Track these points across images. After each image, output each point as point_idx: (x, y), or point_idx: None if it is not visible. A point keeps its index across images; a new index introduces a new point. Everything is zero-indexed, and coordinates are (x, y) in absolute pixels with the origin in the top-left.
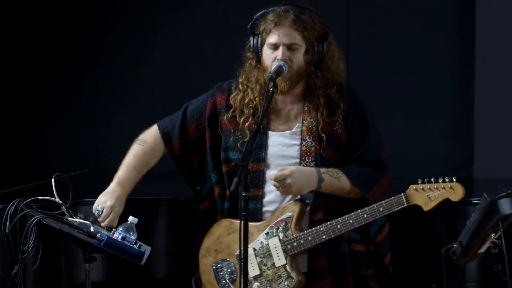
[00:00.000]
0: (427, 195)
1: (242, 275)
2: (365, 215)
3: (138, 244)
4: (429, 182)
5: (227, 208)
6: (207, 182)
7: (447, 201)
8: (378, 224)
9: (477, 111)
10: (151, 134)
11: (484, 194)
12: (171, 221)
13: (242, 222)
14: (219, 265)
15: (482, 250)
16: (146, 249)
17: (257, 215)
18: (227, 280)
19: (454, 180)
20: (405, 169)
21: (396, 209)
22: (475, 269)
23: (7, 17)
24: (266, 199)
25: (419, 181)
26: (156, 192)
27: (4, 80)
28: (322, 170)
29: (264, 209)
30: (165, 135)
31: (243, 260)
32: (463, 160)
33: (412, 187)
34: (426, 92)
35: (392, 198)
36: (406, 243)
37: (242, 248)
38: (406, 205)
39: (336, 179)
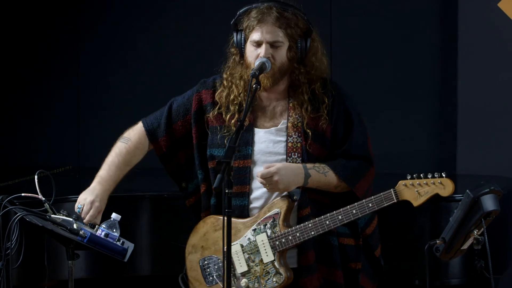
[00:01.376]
0: (416, 190)
1: (225, 271)
2: (354, 211)
3: (121, 241)
4: (419, 177)
5: (213, 204)
6: (194, 178)
7: (436, 196)
8: (366, 217)
9: (460, 107)
10: (135, 132)
11: (467, 190)
12: (154, 217)
13: (226, 218)
14: (206, 262)
15: (465, 246)
16: (129, 246)
17: (244, 212)
18: (215, 277)
19: (444, 175)
20: (388, 166)
21: (385, 204)
22: (458, 266)
23: None
24: (253, 195)
25: (408, 177)
26: (139, 189)
27: None
28: (309, 165)
29: (251, 205)
30: (150, 133)
31: (226, 256)
32: (446, 157)
33: (401, 182)
34: (408, 88)
35: (382, 194)
36: (389, 239)
37: (225, 244)
38: (395, 200)
39: (323, 174)
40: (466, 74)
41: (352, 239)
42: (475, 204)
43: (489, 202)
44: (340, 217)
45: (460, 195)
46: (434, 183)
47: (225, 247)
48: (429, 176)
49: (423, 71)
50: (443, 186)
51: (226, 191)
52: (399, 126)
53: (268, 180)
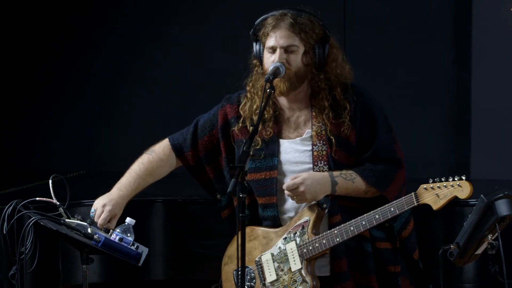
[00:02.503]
0: (436, 193)
1: (239, 281)
2: (376, 216)
3: (135, 245)
4: (439, 181)
5: (247, 215)
6: (226, 191)
7: (455, 199)
8: (402, 220)
9: (474, 112)
10: (160, 145)
11: (481, 195)
12: (169, 222)
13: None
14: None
15: (479, 251)
16: (144, 250)
17: (276, 222)
18: (247, 287)
19: (463, 178)
20: None
21: (406, 208)
22: (472, 271)
23: (2, 18)
24: (284, 206)
25: (430, 181)
26: (154, 194)
27: (1, 81)
28: (335, 173)
29: (284, 216)
30: (176, 147)
31: (241, 265)
32: (460, 161)
33: (423, 186)
34: (422, 93)
35: (403, 197)
36: None
37: (239, 252)
38: (416, 204)
39: (350, 181)
40: (480, 79)
41: (389, 243)
42: (489, 209)
43: (503, 207)
44: (363, 222)
45: (474, 200)
46: (453, 186)
47: (239, 254)
48: (449, 179)
49: (437, 75)
50: (461, 188)
51: (240, 195)
52: (413, 131)
53: (295, 192)
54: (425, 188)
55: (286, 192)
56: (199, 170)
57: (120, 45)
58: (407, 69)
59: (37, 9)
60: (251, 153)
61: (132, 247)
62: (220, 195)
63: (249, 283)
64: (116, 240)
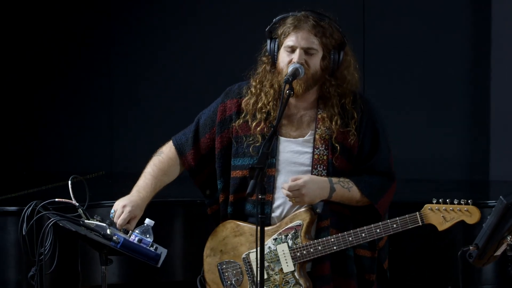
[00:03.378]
0: (442, 215)
1: (254, 278)
2: (378, 230)
3: (154, 246)
4: (445, 203)
5: (230, 213)
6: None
7: (461, 223)
8: None
9: (492, 112)
10: (167, 146)
11: (500, 196)
12: (187, 223)
13: (258, 226)
14: (224, 266)
15: (499, 252)
16: (163, 252)
17: (266, 220)
18: (233, 281)
19: (470, 203)
20: (420, 171)
21: (410, 227)
22: (491, 272)
23: (21, 18)
24: (275, 204)
25: (434, 201)
26: (173, 195)
27: (20, 81)
28: (334, 180)
29: (272, 214)
30: (179, 147)
31: (259, 262)
32: (478, 162)
33: (427, 206)
34: (441, 94)
35: (407, 216)
36: (422, 246)
37: (258, 249)
38: (420, 224)
39: (347, 189)
40: (499, 78)
41: (369, 251)
42: (508, 210)
43: None
44: (363, 234)
45: (494, 201)
46: (460, 210)
47: (256, 253)
48: (456, 202)
49: (455, 75)
50: (470, 214)
51: (260, 196)
52: (431, 131)
53: (295, 193)
54: (430, 209)
55: (285, 192)
56: (199, 170)
57: (140, 47)
58: (426, 70)
59: (56, 8)
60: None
61: (151, 248)
62: (211, 190)
63: (235, 278)
64: (135, 241)
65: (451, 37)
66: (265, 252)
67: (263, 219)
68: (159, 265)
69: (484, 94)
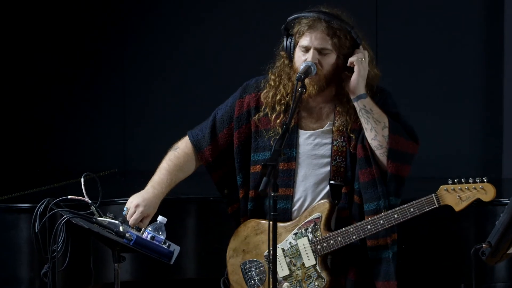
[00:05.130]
0: (458, 195)
1: (271, 275)
2: (395, 216)
3: (167, 243)
4: (460, 182)
5: (250, 209)
6: (236, 185)
7: (477, 201)
8: None
9: (505, 110)
10: (182, 141)
11: None
12: (200, 221)
13: (271, 222)
14: (247, 266)
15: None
16: (175, 249)
17: (287, 215)
18: (256, 281)
19: (485, 180)
20: (433, 169)
21: (426, 209)
22: (504, 270)
23: (34, 16)
24: (295, 198)
25: (450, 182)
26: (185, 192)
27: (33, 79)
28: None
29: (293, 208)
30: (195, 143)
31: (272, 259)
32: (491, 160)
33: (443, 187)
34: (454, 92)
35: (423, 198)
36: (435, 243)
37: (271, 248)
38: (437, 205)
39: (377, 106)
40: None
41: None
42: None
43: None
44: (381, 221)
45: (506, 199)
46: (475, 188)
47: (271, 251)
48: (470, 181)
49: (468, 73)
50: (485, 191)
51: (272, 194)
52: (444, 129)
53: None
54: (446, 190)
55: (352, 59)
56: (218, 166)
57: (153, 45)
58: (439, 68)
59: (70, 8)
60: (282, 152)
61: (164, 246)
62: (229, 189)
63: (258, 277)
64: (148, 238)
65: (464, 35)
66: (286, 248)
67: (276, 216)
68: (172, 262)
69: (497, 92)
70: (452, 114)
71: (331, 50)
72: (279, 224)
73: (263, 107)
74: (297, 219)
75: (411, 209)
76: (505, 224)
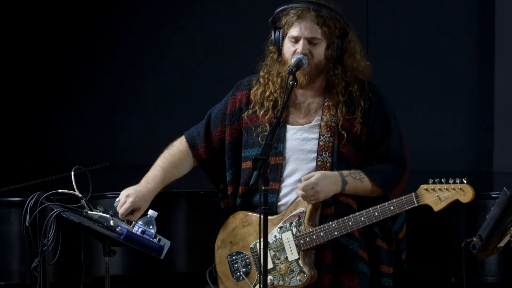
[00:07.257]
0: (437, 195)
1: (260, 268)
2: (376, 213)
3: (157, 238)
4: (440, 182)
5: (238, 204)
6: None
7: (457, 202)
8: (400, 221)
9: (496, 104)
10: (178, 140)
11: (504, 188)
12: (191, 215)
13: (262, 216)
14: (234, 257)
15: (502, 244)
16: (166, 243)
17: (273, 209)
18: (241, 273)
19: (465, 181)
20: (425, 163)
21: (406, 208)
22: (495, 263)
23: (23, 13)
24: (282, 193)
25: (430, 181)
26: (176, 186)
27: (23, 73)
28: (345, 173)
29: (279, 203)
30: (191, 141)
31: (263, 253)
32: (482, 154)
33: (423, 187)
34: (445, 85)
35: (403, 197)
36: (425, 237)
37: (257, 241)
38: (416, 204)
39: (359, 181)
40: (503, 71)
41: (385, 243)
42: None
43: None
44: (362, 218)
45: (497, 193)
46: (454, 189)
47: (257, 244)
48: (450, 181)
49: (460, 68)
50: (464, 192)
51: (263, 187)
52: (435, 123)
53: (310, 192)
54: (426, 189)
55: (299, 192)
56: (211, 163)
57: (143, 38)
58: (430, 62)
59: (61, 5)
60: (273, 146)
61: (154, 240)
62: (224, 184)
63: (244, 269)
64: (138, 232)
65: (455, 29)
66: (271, 241)
67: (267, 210)
68: (162, 257)
69: (489, 86)
70: (444, 108)
71: (321, 39)
72: None
73: (252, 104)
74: (283, 212)
75: (391, 208)
76: (496, 217)
